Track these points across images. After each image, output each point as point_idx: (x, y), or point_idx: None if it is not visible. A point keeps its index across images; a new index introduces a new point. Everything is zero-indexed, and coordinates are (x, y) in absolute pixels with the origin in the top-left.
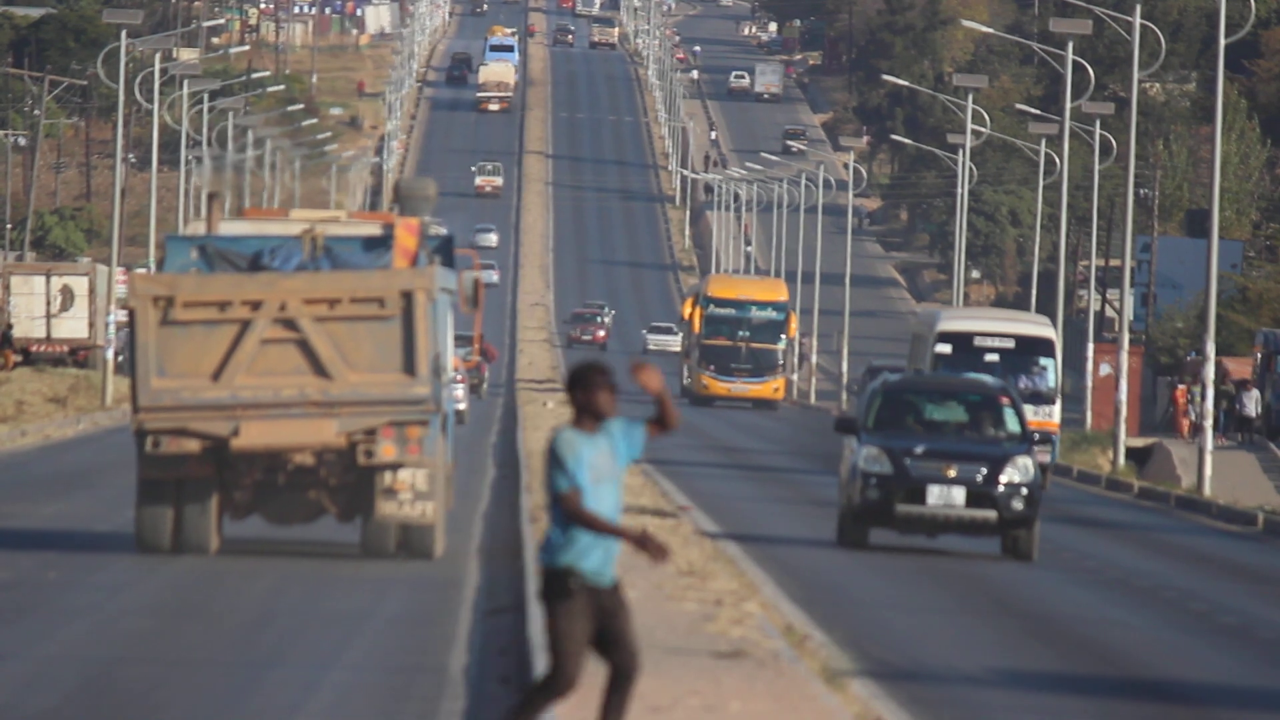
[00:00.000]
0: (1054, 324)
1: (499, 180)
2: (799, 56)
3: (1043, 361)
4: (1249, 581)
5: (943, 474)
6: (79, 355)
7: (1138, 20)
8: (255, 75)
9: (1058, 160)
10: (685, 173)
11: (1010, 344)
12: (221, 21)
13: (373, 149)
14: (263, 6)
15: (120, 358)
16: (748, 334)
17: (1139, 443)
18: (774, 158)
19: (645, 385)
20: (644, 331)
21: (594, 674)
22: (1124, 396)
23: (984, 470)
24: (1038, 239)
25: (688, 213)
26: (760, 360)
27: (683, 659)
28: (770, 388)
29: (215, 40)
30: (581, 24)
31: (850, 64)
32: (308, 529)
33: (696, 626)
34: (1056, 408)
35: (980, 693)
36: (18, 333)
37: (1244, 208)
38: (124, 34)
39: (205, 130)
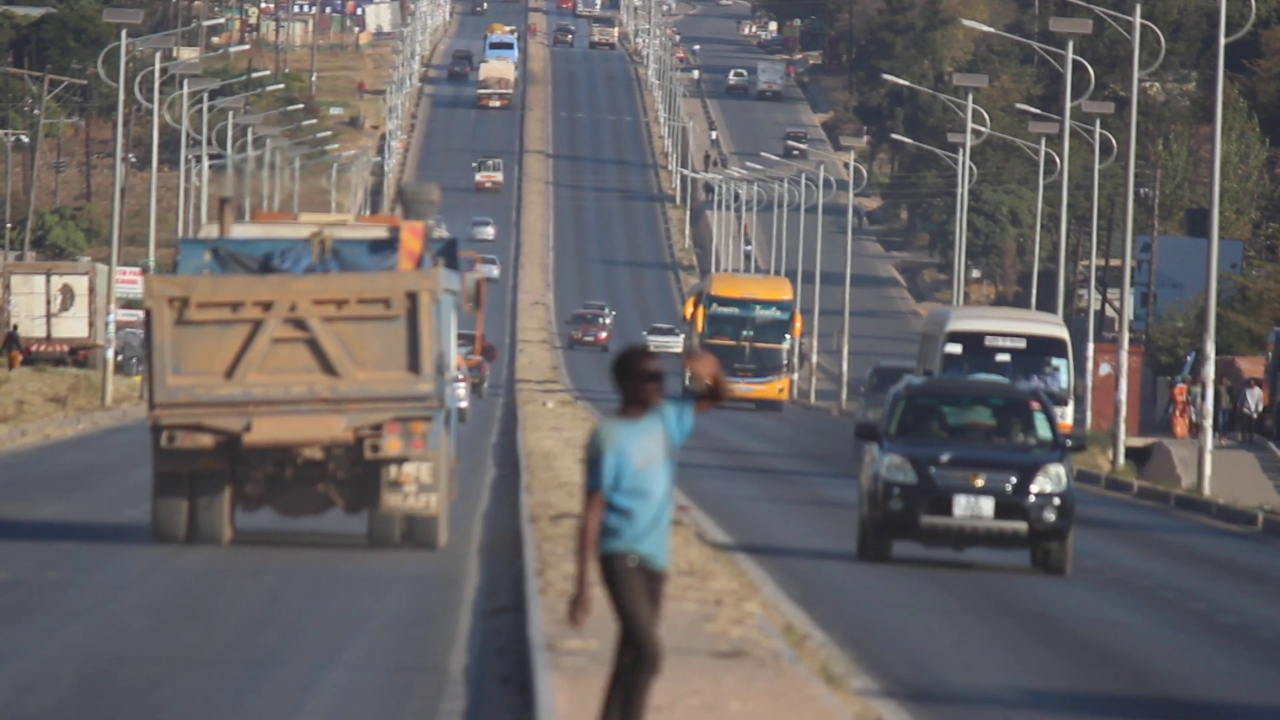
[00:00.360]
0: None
1: (499, 176)
2: (799, 56)
3: (1055, 362)
4: (1249, 581)
5: (970, 483)
6: (79, 355)
7: (1138, 20)
8: (255, 75)
9: (1058, 160)
10: (685, 172)
11: (1021, 344)
12: (221, 21)
13: (373, 148)
14: (263, 6)
15: (120, 357)
16: (751, 333)
17: (1139, 442)
18: (774, 157)
19: (699, 374)
20: (644, 333)
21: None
22: (1124, 396)
23: (1014, 479)
24: (1038, 238)
25: (688, 212)
26: (764, 360)
27: (683, 658)
28: (775, 388)
29: (215, 40)
30: (582, 24)
31: (850, 64)
32: (316, 520)
33: (696, 626)
34: (1069, 409)
35: (978, 691)
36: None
37: (1244, 207)
38: (124, 33)
39: (205, 130)
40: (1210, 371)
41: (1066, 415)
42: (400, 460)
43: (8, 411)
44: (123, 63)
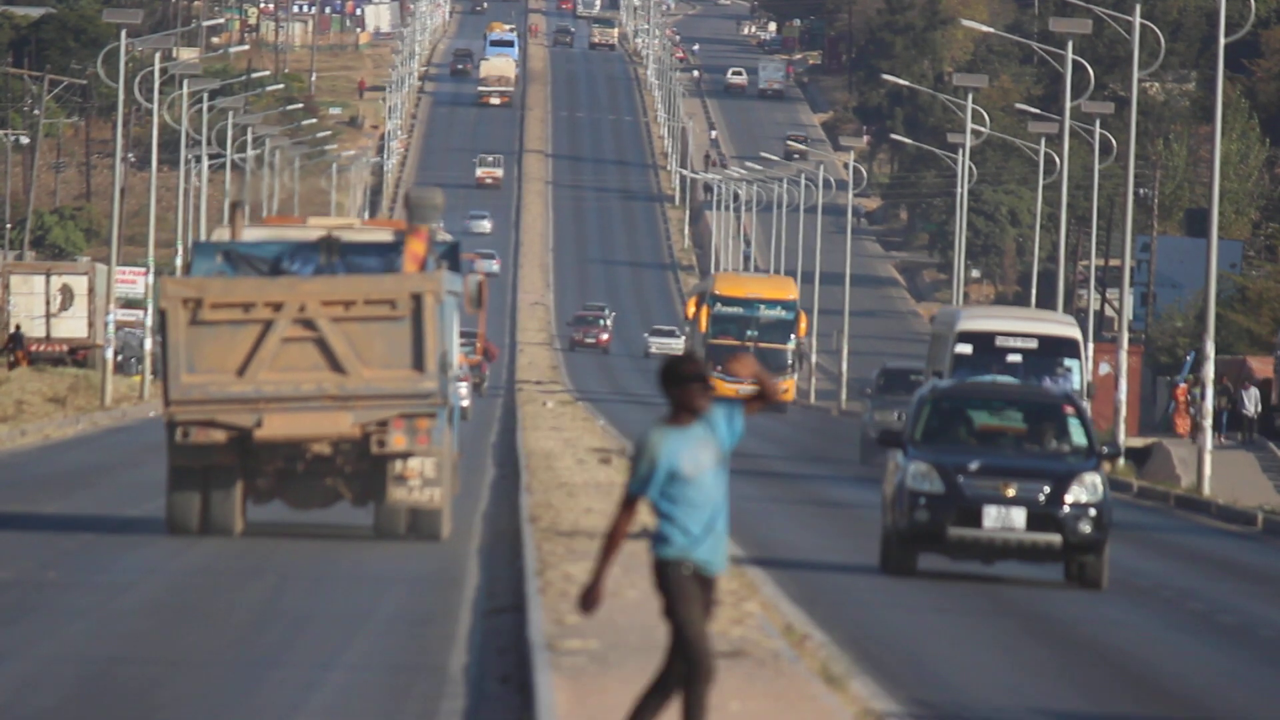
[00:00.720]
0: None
1: (499, 172)
2: (799, 56)
3: (1068, 363)
4: (1249, 581)
5: (1001, 493)
6: (78, 355)
7: (1137, 20)
8: (255, 75)
9: (1057, 160)
10: (685, 172)
11: (1033, 344)
12: (221, 21)
13: (373, 148)
14: (262, 6)
15: (119, 357)
16: (756, 334)
17: (1139, 442)
18: (774, 157)
19: (741, 373)
20: (645, 335)
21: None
22: (1124, 396)
23: (1047, 489)
24: (1037, 238)
25: (687, 212)
26: (769, 361)
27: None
28: (779, 389)
29: (215, 40)
30: (582, 25)
31: (850, 64)
32: (325, 513)
33: None
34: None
35: (975, 691)
36: None
37: (1243, 207)
38: (124, 33)
39: (205, 130)
40: (1210, 371)
41: None
42: (405, 455)
43: (7, 411)
44: (122, 63)
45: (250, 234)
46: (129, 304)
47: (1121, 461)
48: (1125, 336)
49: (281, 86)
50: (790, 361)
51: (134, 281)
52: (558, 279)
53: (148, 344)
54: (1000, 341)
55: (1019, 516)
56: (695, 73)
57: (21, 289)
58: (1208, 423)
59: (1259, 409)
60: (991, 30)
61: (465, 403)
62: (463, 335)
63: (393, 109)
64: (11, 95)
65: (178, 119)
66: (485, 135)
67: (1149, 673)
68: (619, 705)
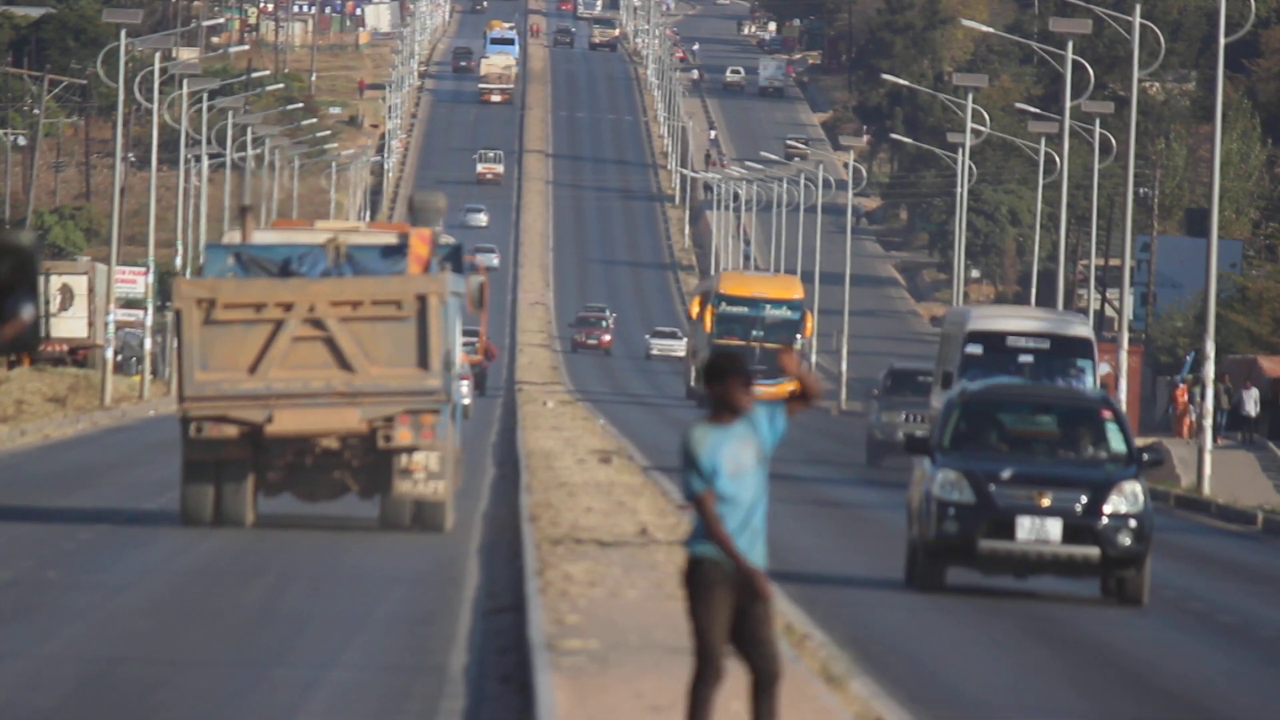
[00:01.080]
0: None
1: (500, 168)
2: (798, 56)
3: (1080, 363)
4: (1249, 581)
5: (1035, 503)
6: (78, 354)
7: (1137, 19)
8: (255, 74)
9: (1057, 159)
10: (685, 172)
11: (1045, 344)
12: (221, 21)
13: (373, 148)
14: (262, 6)
15: (119, 357)
16: (761, 334)
17: (1139, 442)
18: (774, 157)
19: (786, 370)
20: (647, 336)
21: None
22: (1124, 396)
23: (1085, 498)
24: (1037, 238)
25: (687, 212)
26: (775, 361)
27: (683, 658)
28: (785, 390)
29: (215, 39)
30: (582, 25)
31: (850, 63)
32: (332, 505)
33: None
34: None
35: (974, 691)
36: None
37: (1243, 207)
38: (123, 33)
39: (205, 130)
40: (1210, 371)
41: None
42: (410, 449)
43: (7, 411)
44: (122, 63)
45: (260, 237)
46: (129, 304)
47: None
48: (1125, 336)
49: (281, 86)
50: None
51: (134, 281)
52: (558, 279)
53: (148, 344)
54: (1011, 342)
55: (1055, 528)
56: (696, 73)
57: None
58: (1208, 422)
59: (1259, 409)
60: (991, 30)
61: (466, 401)
62: (466, 333)
63: (392, 108)
64: (11, 95)
65: (178, 119)
66: (485, 135)
67: (1149, 672)
68: (619, 705)
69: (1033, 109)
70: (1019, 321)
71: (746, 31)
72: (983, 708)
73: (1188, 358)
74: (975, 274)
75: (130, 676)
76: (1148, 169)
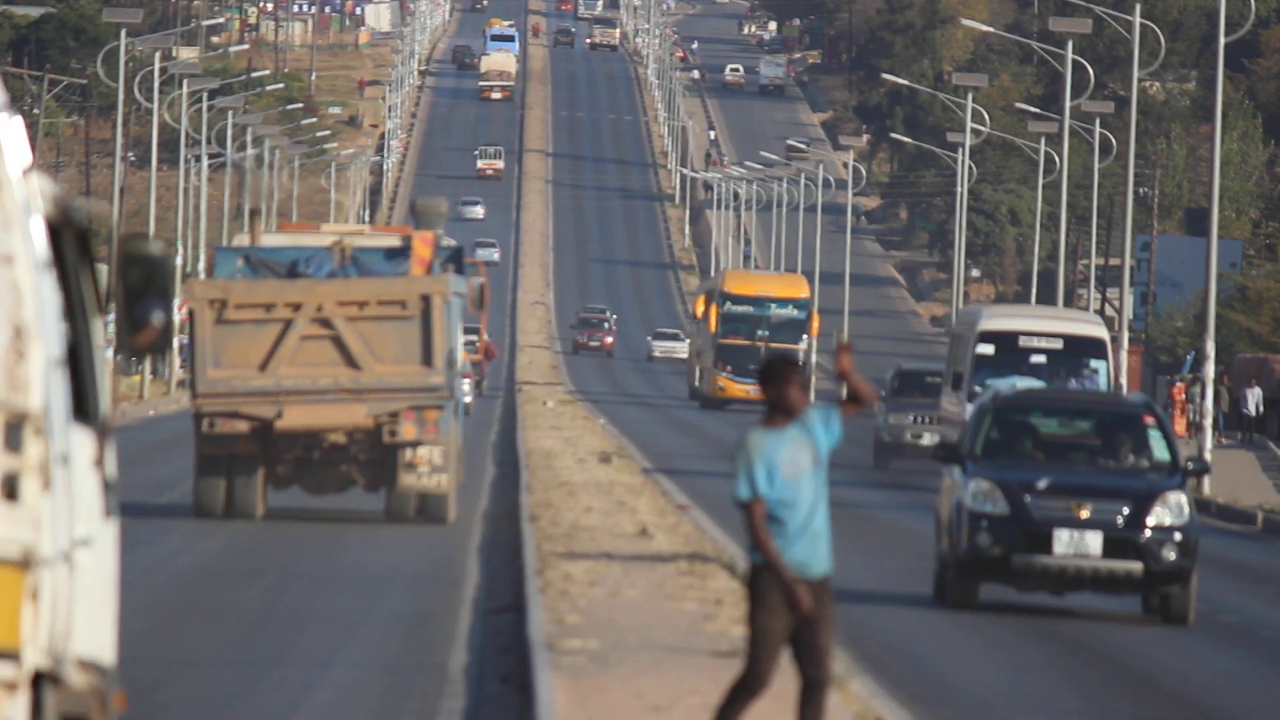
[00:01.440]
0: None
1: (500, 164)
2: (798, 55)
3: (1094, 364)
4: (1249, 581)
5: (1073, 515)
6: None
7: (1137, 19)
8: (255, 74)
9: (1057, 159)
10: (685, 171)
11: (1058, 344)
12: (221, 20)
13: (372, 147)
14: (262, 5)
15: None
16: (767, 333)
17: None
18: (774, 156)
19: (840, 368)
20: (649, 338)
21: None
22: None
23: (1126, 510)
24: (1037, 238)
25: (687, 211)
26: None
27: (682, 658)
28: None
29: (215, 39)
30: (582, 26)
31: (850, 63)
32: (340, 497)
33: (696, 625)
34: None
35: (974, 690)
36: None
37: (1244, 207)
38: (124, 33)
39: (205, 130)
40: (1210, 371)
41: None
42: (415, 444)
43: None
44: (122, 62)
45: (268, 239)
46: None
47: None
48: (1125, 336)
49: (281, 86)
50: (803, 362)
51: None
52: (558, 278)
53: None
54: (1024, 342)
55: (1094, 541)
56: (696, 73)
57: None
58: (1208, 422)
59: (1262, 408)
60: (991, 30)
61: (467, 399)
62: (467, 332)
63: (392, 108)
64: (11, 95)
65: (177, 118)
66: (485, 134)
67: (1149, 672)
68: (619, 705)
69: (1033, 109)
70: (1031, 321)
71: (746, 31)
72: (982, 707)
73: (1188, 357)
74: (975, 273)
75: (130, 676)
76: (1148, 169)
